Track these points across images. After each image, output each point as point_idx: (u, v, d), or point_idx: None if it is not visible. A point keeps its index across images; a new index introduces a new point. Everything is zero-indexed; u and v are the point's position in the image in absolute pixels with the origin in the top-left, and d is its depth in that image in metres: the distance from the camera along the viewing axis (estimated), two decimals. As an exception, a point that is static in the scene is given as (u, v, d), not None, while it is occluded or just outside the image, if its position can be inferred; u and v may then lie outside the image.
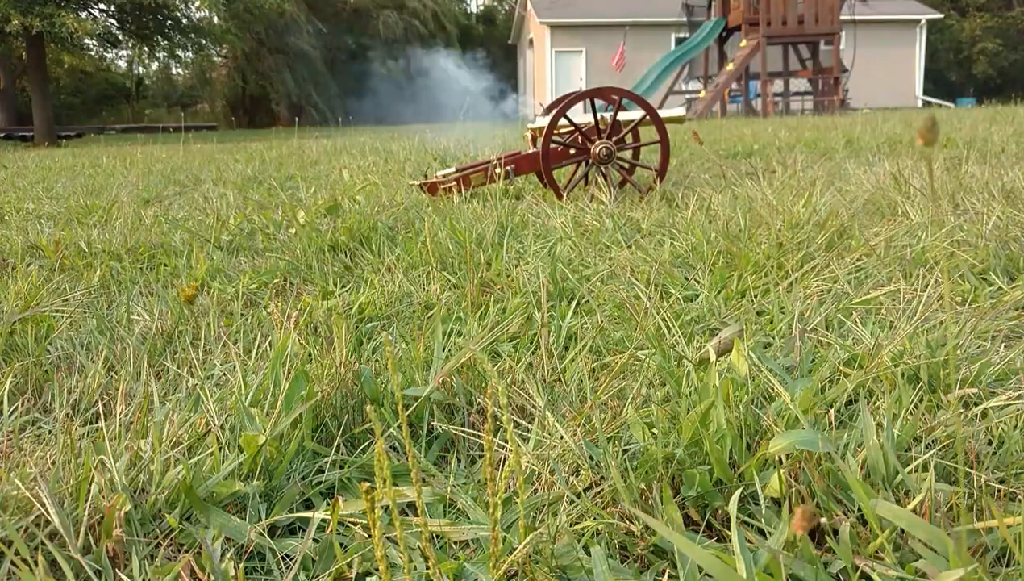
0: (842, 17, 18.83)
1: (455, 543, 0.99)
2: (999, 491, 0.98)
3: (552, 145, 3.88)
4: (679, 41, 23.73)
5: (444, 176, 4.06)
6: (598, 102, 3.86)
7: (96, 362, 1.55)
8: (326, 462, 1.18)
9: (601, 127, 3.84)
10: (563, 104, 3.77)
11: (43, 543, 0.93)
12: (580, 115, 4.35)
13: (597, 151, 3.82)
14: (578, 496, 1.02)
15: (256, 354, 1.57)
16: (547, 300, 1.97)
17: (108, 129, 28.44)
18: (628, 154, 4.46)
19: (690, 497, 1.01)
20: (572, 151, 3.98)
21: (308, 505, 1.09)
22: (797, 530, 0.69)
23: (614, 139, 3.84)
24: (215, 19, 25.68)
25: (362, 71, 33.40)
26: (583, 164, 4.20)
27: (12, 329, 1.76)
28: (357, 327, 1.87)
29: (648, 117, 3.86)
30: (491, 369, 0.79)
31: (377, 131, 17.82)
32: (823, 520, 0.91)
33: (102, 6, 22.61)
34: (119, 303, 2.15)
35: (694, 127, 10.27)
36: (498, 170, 3.91)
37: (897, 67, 27.24)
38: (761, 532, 0.95)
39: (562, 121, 3.81)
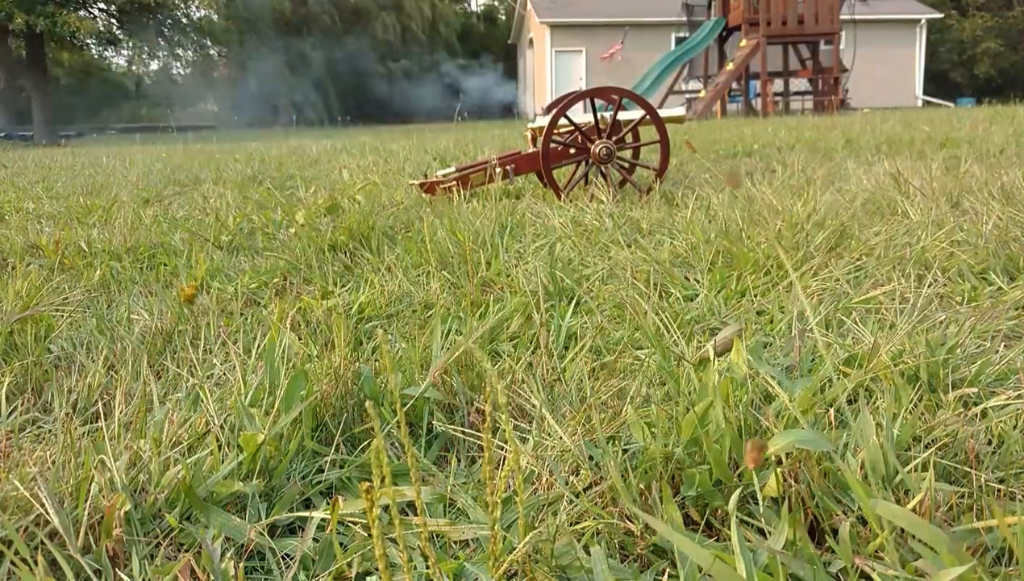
0: (842, 17, 18.82)
1: (455, 542, 0.99)
2: (999, 491, 0.98)
3: (552, 145, 3.88)
4: (679, 41, 23.73)
5: (444, 176, 4.06)
6: (598, 102, 3.86)
7: (96, 362, 1.55)
8: (326, 461, 1.18)
9: (601, 127, 3.84)
10: (563, 104, 3.77)
11: (43, 543, 0.93)
12: (580, 114, 4.36)
13: (597, 150, 3.82)
14: (578, 496, 1.02)
15: (256, 353, 1.57)
16: (545, 299, 1.97)
17: (108, 129, 28.44)
18: (628, 153, 4.46)
19: (690, 497, 1.01)
20: (572, 151, 3.98)
21: (308, 505, 1.09)
22: (749, 464, 0.69)
23: (614, 139, 3.85)
24: (214, 18, 25.68)
25: (362, 71, 33.40)
26: (583, 164, 4.20)
27: (12, 329, 1.76)
28: (357, 327, 1.87)
29: (648, 117, 3.86)
30: (490, 368, 0.79)
31: (377, 131, 17.82)
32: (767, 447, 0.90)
33: (102, 5, 22.64)
34: (119, 303, 2.15)
35: (692, 129, 10.26)
36: (497, 169, 3.91)
37: (897, 67, 27.25)
38: (761, 532, 0.95)
39: (562, 121, 3.81)
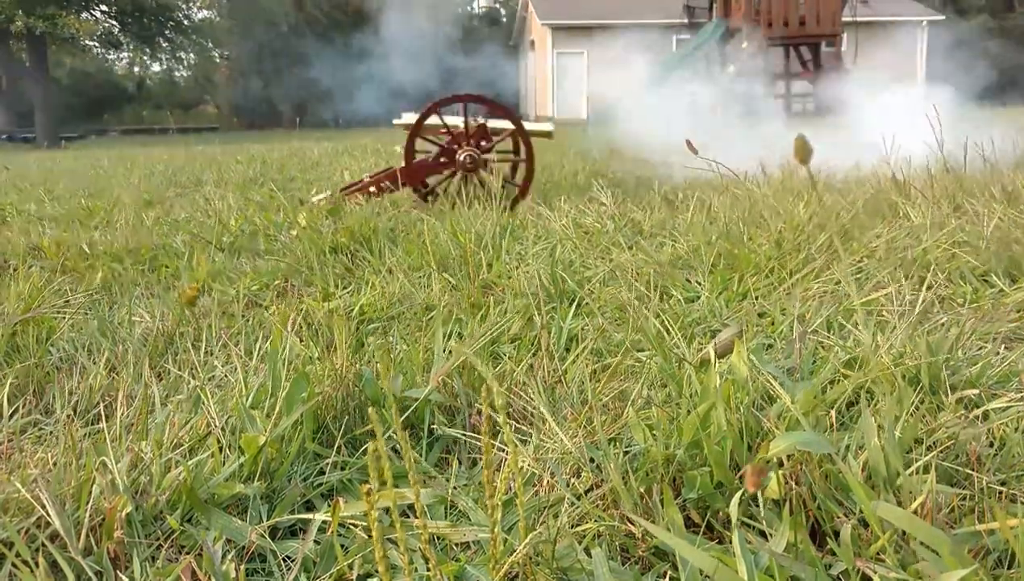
0: (844, 18, 18.82)
1: (456, 545, 0.99)
2: (1000, 493, 0.98)
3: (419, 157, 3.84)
4: (680, 42, 23.71)
5: (318, 201, 3.88)
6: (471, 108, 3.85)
7: (97, 363, 1.55)
8: (327, 464, 1.18)
9: (458, 133, 3.82)
10: (421, 114, 3.77)
11: (44, 544, 0.93)
12: (453, 120, 4.25)
13: (461, 159, 3.81)
14: (579, 498, 1.02)
15: (257, 355, 1.57)
16: (546, 301, 1.97)
17: (109, 131, 28.48)
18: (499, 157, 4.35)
19: (691, 499, 1.01)
20: (443, 159, 3.93)
21: (309, 507, 1.09)
22: (750, 488, 0.69)
23: (483, 145, 3.83)
24: (215, 18, 25.72)
25: (363, 72, 33.37)
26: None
27: (14, 330, 1.77)
28: (358, 329, 1.87)
29: (516, 129, 3.83)
30: (488, 372, 0.79)
31: (378, 132, 17.81)
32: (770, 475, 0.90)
33: (103, 7, 22.68)
34: (120, 305, 2.15)
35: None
36: (372, 189, 3.88)
37: (898, 68, 27.23)
38: (762, 534, 0.95)
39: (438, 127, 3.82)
